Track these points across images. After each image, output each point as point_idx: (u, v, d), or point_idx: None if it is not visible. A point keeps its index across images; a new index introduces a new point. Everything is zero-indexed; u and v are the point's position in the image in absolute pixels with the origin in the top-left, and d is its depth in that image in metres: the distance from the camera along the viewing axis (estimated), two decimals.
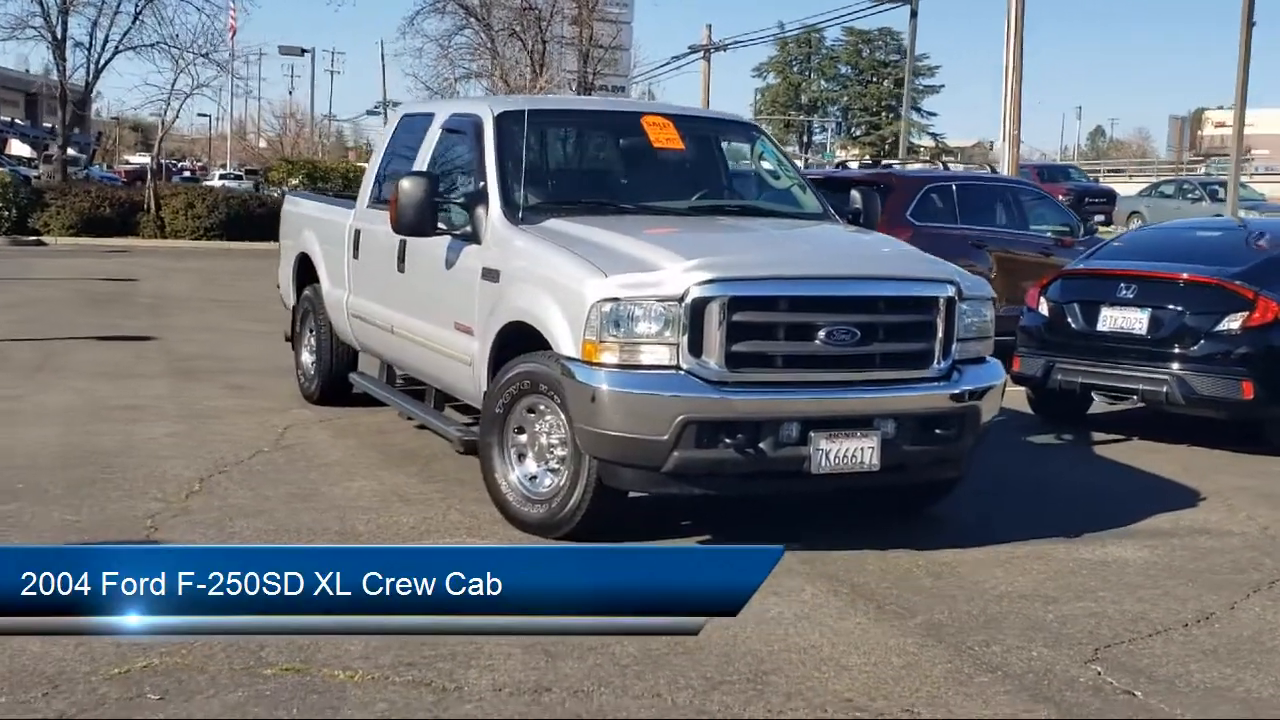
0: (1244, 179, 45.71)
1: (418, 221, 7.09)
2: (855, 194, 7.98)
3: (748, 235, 7.16)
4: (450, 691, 4.50)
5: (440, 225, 7.17)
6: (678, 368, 5.94)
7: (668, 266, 6.02)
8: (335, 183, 31.85)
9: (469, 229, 7.11)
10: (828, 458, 6.01)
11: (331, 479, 7.54)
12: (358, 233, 8.76)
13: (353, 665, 4.67)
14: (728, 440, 5.92)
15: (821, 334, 6.05)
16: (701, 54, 65.57)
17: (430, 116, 8.30)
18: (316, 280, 9.78)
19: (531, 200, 6.93)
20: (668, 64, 73.98)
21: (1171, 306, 9.36)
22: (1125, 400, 9.58)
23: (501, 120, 7.42)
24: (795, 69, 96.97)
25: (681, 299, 5.89)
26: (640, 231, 6.64)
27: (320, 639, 4.74)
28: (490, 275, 6.84)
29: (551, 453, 6.44)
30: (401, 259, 7.91)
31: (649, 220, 7.06)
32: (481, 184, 7.19)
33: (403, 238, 7.86)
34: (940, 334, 6.32)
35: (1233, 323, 9.12)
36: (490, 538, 6.41)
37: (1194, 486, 8.09)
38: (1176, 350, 9.25)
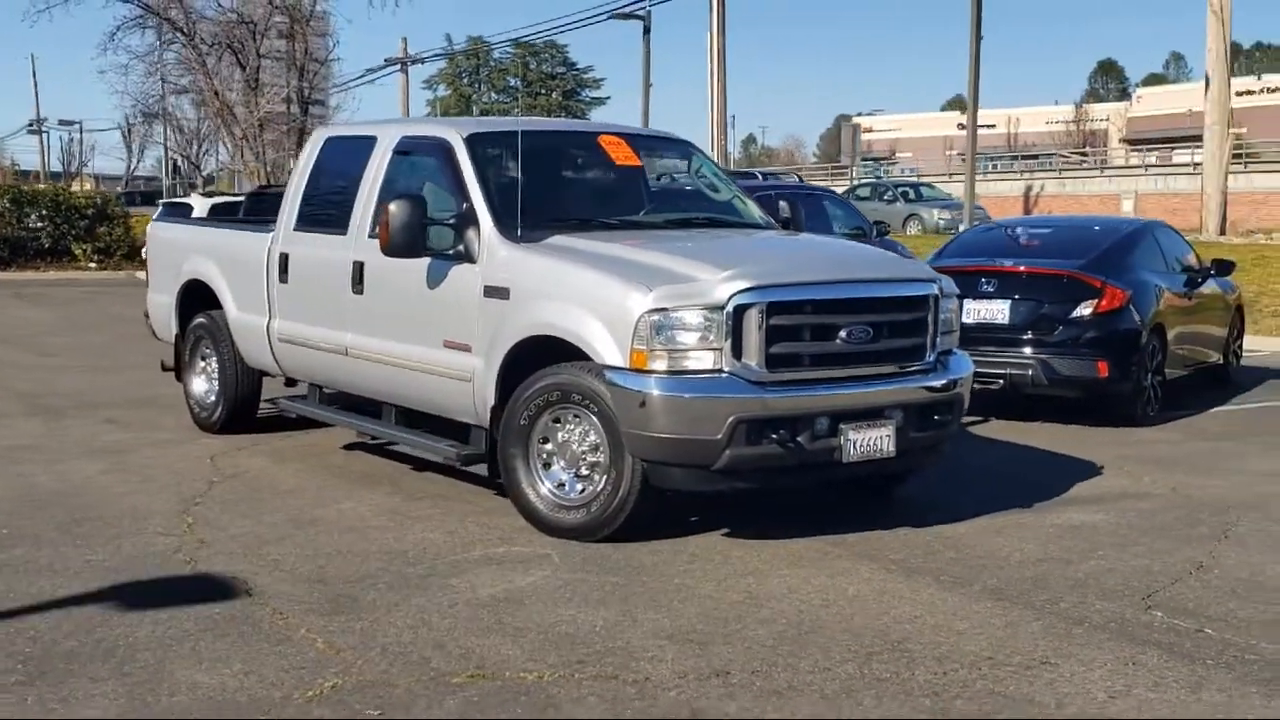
0: (930, 181, 49.13)
1: (409, 243, 7.25)
2: (783, 204, 8.56)
3: (751, 246, 7.64)
4: (642, 682, 4.81)
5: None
6: (721, 371, 6.37)
7: (705, 278, 6.45)
8: (44, 206, 30.31)
9: (459, 249, 7.31)
10: (855, 447, 6.58)
11: (318, 503, 7.57)
12: (285, 256, 8.74)
13: (529, 667, 4.91)
14: (773, 436, 6.40)
15: (842, 333, 6.62)
16: (398, 66, 65.26)
17: (371, 140, 8.39)
18: (212, 307, 9.65)
19: (522, 219, 7.19)
20: (362, 77, 73.29)
21: (1030, 298, 10.41)
22: (991, 385, 10.53)
23: (472, 142, 7.65)
24: (465, 81, 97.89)
25: (723, 307, 6.33)
26: (655, 246, 7.01)
27: (472, 647, 5.00)
28: (495, 292, 7.07)
29: (583, 459, 6.75)
30: (359, 280, 8.00)
31: (641, 235, 7.45)
32: (465, 205, 7.40)
33: (358, 259, 8.00)
34: (930, 329, 6.99)
35: (1085, 309, 10.24)
36: (529, 545, 6.65)
37: (1086, 459, 9.07)
38: (1037, 337, 10.31)
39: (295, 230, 8.75)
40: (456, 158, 7.60)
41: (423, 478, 8.29)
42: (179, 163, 71.52)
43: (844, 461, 6.57)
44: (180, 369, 10.20)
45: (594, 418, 6.63)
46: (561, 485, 6.82)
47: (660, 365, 6.34)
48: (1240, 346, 13.70)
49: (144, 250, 26.95)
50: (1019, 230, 12.29)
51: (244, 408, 9.70)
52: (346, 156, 8.65)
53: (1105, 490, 8.16)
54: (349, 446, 9.26)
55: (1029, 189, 54.06)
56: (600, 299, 6.55)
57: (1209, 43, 36.35)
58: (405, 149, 8.13)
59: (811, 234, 8.28)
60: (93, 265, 30.05)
